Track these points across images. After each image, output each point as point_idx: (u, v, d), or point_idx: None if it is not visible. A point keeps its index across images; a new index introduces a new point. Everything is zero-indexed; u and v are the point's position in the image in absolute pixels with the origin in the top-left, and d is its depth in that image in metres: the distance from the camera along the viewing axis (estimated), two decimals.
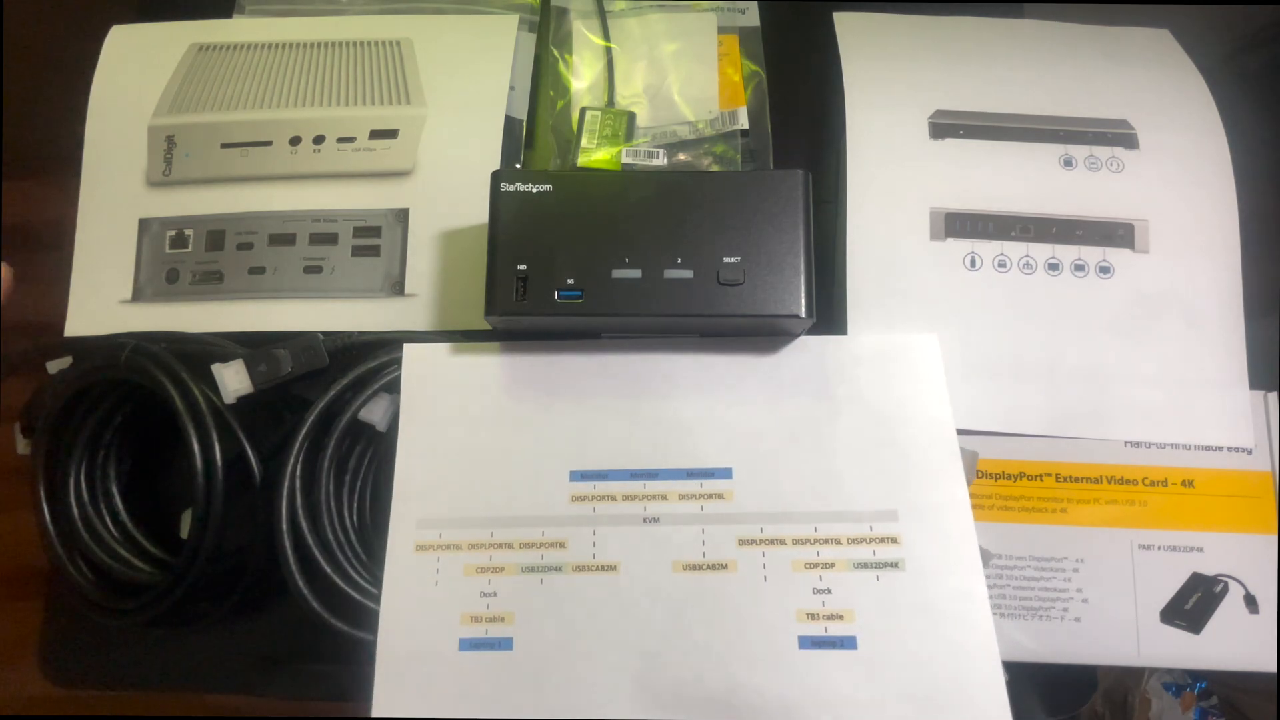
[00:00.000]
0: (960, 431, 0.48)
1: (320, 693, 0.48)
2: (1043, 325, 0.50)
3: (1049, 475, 0.49)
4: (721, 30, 0.59)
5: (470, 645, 0.42)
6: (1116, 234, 0.51)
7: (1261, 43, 0.62)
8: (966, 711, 0.41)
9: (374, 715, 0.41)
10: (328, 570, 0.44)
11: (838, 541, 0.44)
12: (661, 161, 0.55)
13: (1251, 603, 0.47)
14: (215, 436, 0.45)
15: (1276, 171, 0.55)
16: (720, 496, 0.45)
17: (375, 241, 0.52)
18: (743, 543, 0.44)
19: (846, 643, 0.42)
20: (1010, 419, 0.49)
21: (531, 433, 0.46)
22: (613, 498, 0.45)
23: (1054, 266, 0.51)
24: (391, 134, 0.54)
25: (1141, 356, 0.49)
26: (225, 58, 0.56)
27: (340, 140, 0.54)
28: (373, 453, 0.48)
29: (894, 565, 0.44)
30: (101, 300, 0.52)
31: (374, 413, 0.46)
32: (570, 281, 0.44)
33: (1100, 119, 0.54)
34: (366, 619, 0.44)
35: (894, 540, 0.44)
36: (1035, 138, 0.53)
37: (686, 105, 0.57)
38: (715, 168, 0.55)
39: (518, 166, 0.55)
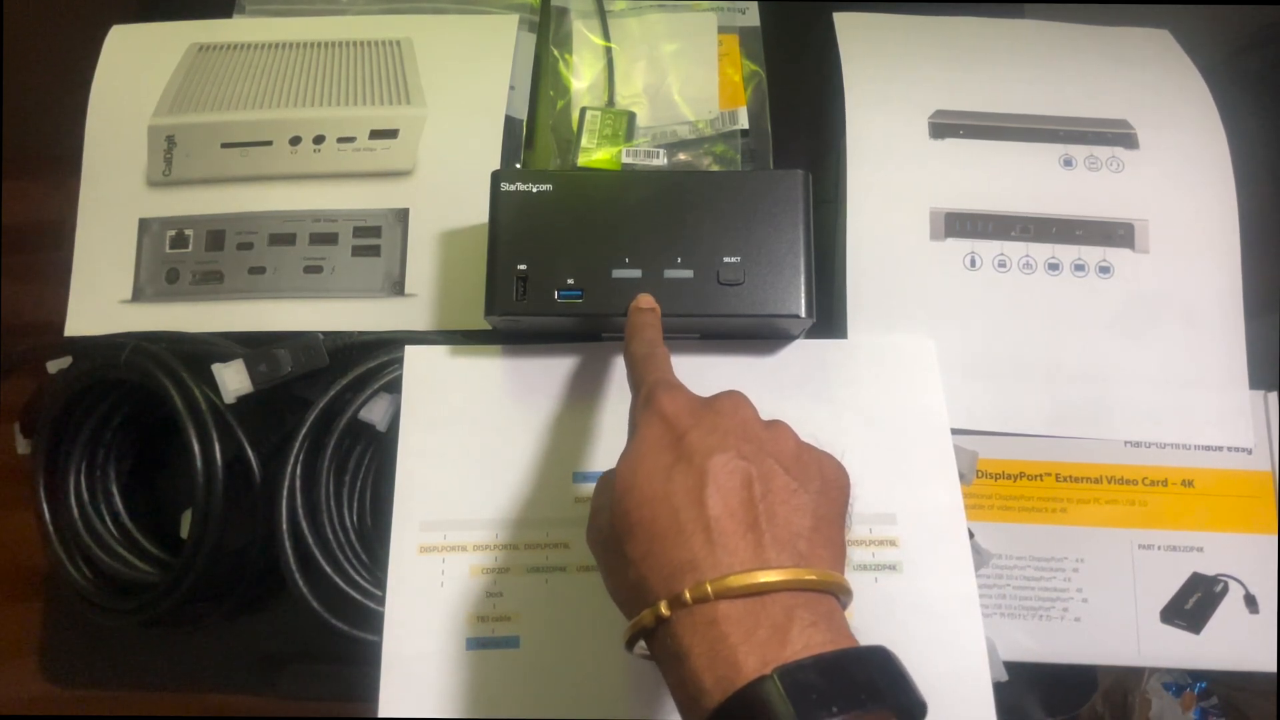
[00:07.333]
0: (960, 431, 0.48)
1: (320, 693, 0.48)
2: (1043, 325, 0.50)
3: (1049, 475, 0.49)
4: (721, 30, 0.59)
5: (477, 644, 0.43)
6: (1116, 234, 0.51)
7: (1261, 43, 0.62)
8: (955, 710, 0.41)
9: (380, 715, 0.41)
10: (328, 570, 0.44)
11: None
12: (661, 161, 0.55)
13: (1251, 603, 0.47)
14: (215, 436, 0.45)
15: (1276, 171, 0.55)
16: None
17: (375, 241, 0.52)
18: None
19: None
20: (1010, 419, 0.49)
21: (534, 435, 0.46)
22: None
23: (1054, 266, 0.51)
24: (391, 134, 0.54)
25: (1141, 356, 0.49)
26: (225, 58, 0.56)
27: (340, 140, 0.54)
28: (373, 453, 0.48)
29: (892, 568, 0.44)
30: (101, 300, 0.52)
31: (374, 413, 0.46)
32: (570, 281, 0.43)
33: (1100, 119, 0.53)
34: (366, 619, 0.44)
35: (893, 543, 0.44)
36: (1035, 138, 0.53)
37: (686, 105, 0.57)
38: (715, 168, 0.55)
39: (518, 166, 0.55)
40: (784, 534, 0.30)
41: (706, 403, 0.33)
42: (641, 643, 0.30)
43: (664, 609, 0.28)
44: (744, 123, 0.56)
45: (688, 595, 0.28)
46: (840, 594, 0.30)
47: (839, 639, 0.28)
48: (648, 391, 0.34)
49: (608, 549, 0.32)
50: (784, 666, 0.26)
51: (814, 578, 0.29)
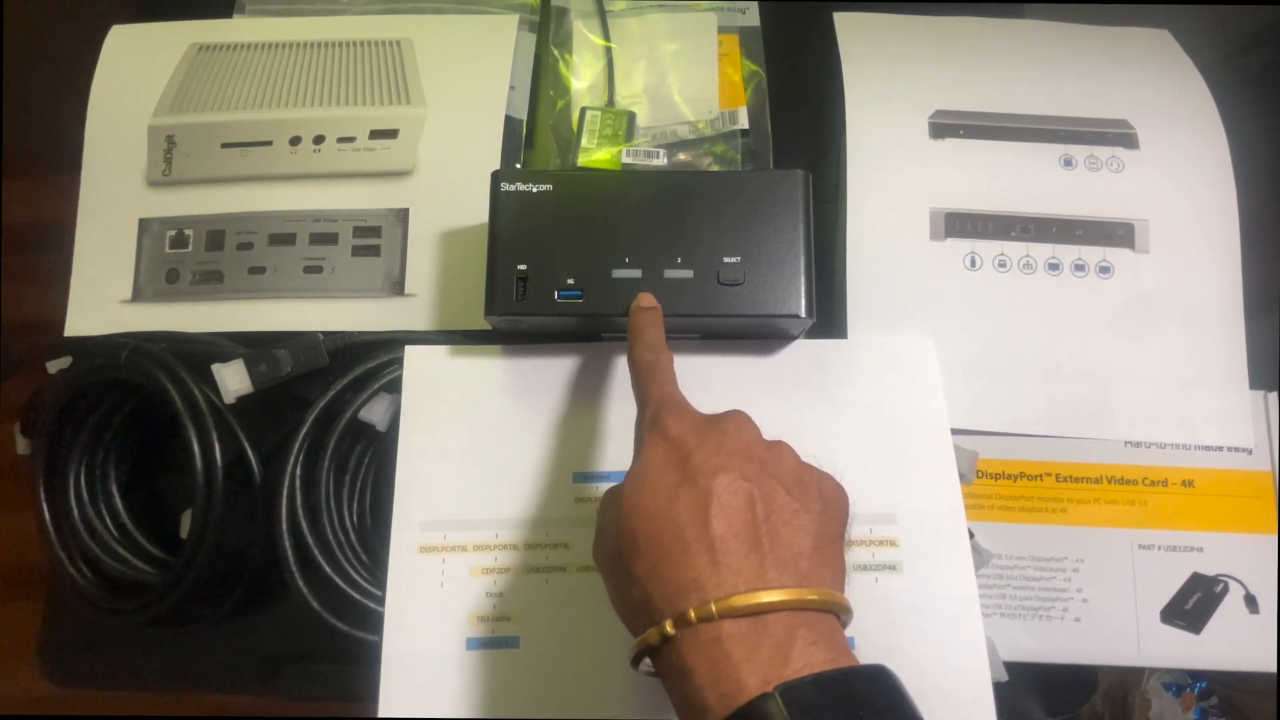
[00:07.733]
0: (960, 431, 0.48)
1: (320, 693, 0.48)
2: (1043, 325, 0.50)
3: (1049, 475, 0.49)
4: (721, 30, 0.59)
5: (477, 644, 0.43)
6: (1116, 234, 0.51)
7: (1261, 43, 0.63)
8: (955, 710, 0.41)
9: (380, 715, 0.41)
10: (328, 570, 0.44)
11: None
12: (661, 161, 0.55)
13: (1251, 603, 0.47)
14: (215, 436, 0.45)
15: (1276, 171, 0.55)
16: None
17: (375, 241, 0.52)
18: None
19: None
20: (1010, 419, 0.49)
21: (534, 435, 0.46)
22: None
23: (1054, 266, 0.51)
24: (391, 134, 0.54)
25: (1141, 356, 0.49)
26: (225, 58, 0.56)
27: (340, 140, 0.54)
28: (373, 453, 0.48)
29: (892, 568, 0.44)
30: (101, 300, 0.52)
31: (374, 413, 0.46)
32: (570, 281, 0.43)
33: (1100, 119, 0.54)
34: (366, 619, 0.44)
35: (893, 543, 0.44)
36: (1035, 138, 0.53)
37: (686, 105, 0.57)
38: (715, 168, 0.55)
39: (518, 166, 0.55)
40: (786, 554, 0.30)
41: (711, 422, 0.34)
42: (647, 660, 0.31)
43: (669, 627, 0.29)
44: (744, 123, 0.56)
45: (692, 614, 0.29)
46: (841, 613, 0.31)
47: (840, 658, 0.28)
48: (654, 411, 0.35)
49: (614, 567, 0.33)
50: (785, 684, 0.26)
51: (816, 598, 0.29)
